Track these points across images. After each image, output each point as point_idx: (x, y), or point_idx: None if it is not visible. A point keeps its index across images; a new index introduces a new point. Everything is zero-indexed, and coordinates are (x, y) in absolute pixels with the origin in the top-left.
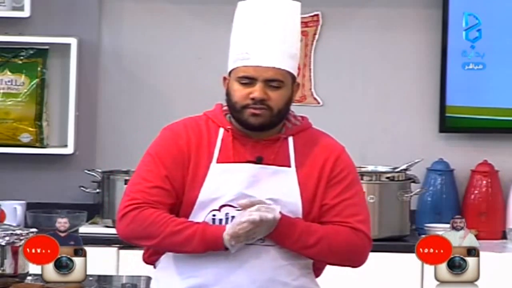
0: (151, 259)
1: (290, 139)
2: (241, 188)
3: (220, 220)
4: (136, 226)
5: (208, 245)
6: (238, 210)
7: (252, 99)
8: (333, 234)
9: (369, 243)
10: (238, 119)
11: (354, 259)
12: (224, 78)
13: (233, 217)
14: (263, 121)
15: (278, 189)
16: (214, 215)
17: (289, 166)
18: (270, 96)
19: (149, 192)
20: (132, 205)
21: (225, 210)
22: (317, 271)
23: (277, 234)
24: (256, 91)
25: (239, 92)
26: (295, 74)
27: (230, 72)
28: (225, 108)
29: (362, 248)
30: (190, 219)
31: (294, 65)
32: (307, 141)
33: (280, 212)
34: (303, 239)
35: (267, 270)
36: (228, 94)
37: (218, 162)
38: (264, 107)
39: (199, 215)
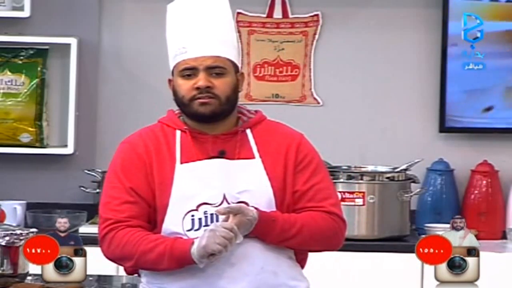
0: (130, 270)
1: (248, 132)
2: (213, 185)
3: (200, 219)
4: (114, 248)
5: (179, 263)
6: (216, 207)
7: (197, 88)
8: (311, 222)
9: (344, 226)
10: (189, 113)
11: (332, 243)
12: (169, 81)
13: (211, 215)
14: (213, 109)
15: (248, 181)
16: (193, 215)
17: (253, 157)
18: (215, 84)
19: (119, 210)
20: (107, 227)
21: (203, 208)
22: (301, 262)
23: (257, 232)
24: (200, 80)
25: (184, 86)
26: (237, 62)
27: (172, 72)
28: (177, 112)
29: (338, 230)
30: (166, 222)
31: (234, 53)
32: (265, 131)
33: (257, 209)
34: (284, 232)
35: (257, 261)
36: (174, 92)
37: (182, 162)
38: (211, 95)
39: (176, 217)
